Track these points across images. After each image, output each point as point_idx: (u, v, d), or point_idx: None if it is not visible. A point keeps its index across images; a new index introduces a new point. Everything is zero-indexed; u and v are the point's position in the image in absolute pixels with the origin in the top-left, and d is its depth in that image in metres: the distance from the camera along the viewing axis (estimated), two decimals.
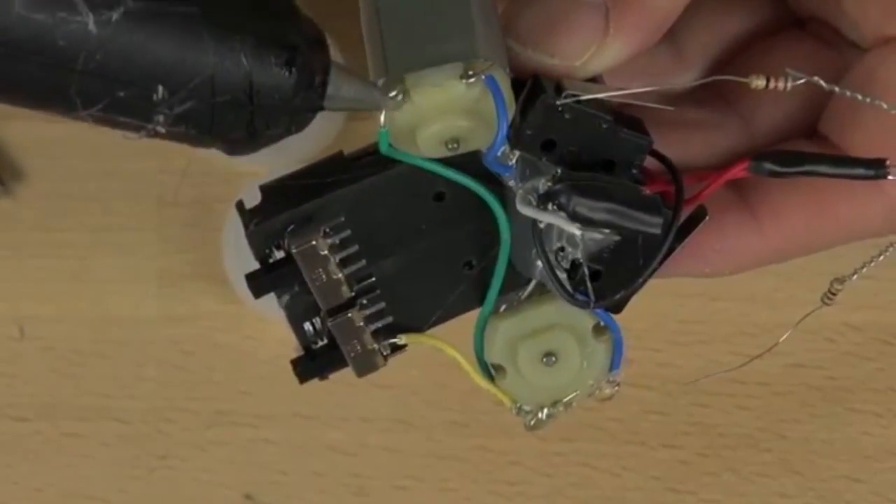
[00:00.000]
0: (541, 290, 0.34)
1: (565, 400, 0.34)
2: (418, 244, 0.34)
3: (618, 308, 0.34)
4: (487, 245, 0.34)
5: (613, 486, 0.51)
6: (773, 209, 0.34)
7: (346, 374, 0.52)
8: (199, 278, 0.52)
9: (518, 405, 0.34)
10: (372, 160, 0.33)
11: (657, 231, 0.31)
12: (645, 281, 0.33)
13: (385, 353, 0.35)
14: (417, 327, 0.35)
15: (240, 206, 0.34)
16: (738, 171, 0.32)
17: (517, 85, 0.31)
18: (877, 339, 0.52)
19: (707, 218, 0.33)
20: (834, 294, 0.36)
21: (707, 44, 0.37)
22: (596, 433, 0.51)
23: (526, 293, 0.34)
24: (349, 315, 0.34)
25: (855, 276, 0.35)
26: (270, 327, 0.52)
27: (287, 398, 0.52)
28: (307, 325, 0.35)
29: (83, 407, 0.52)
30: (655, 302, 0.52)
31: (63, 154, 0.53)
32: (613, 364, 0.34)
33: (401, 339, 0.35)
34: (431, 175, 0.32)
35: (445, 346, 0.35)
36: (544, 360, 0.34)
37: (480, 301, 0.34)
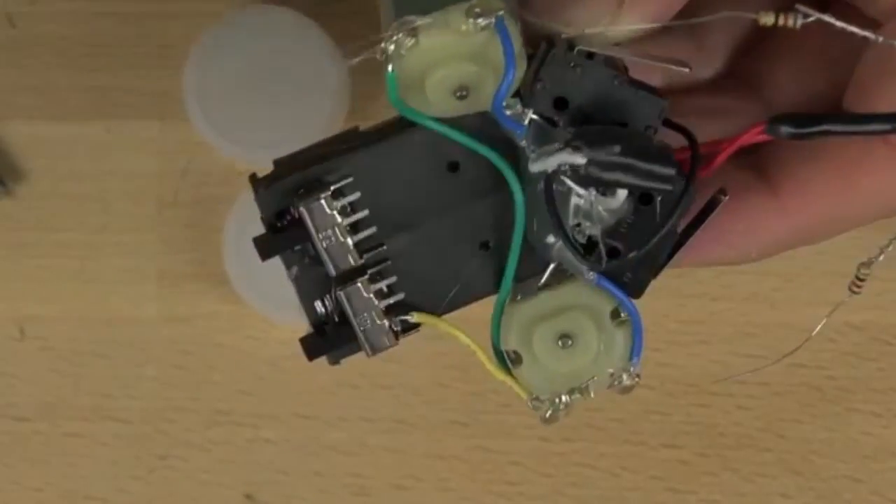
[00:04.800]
0: (559, 276, 0.33)
1: (582, 386, 0.33)
2: (431, 217, 0.33)
3: (637, 291, 0.33)
4: (504, 225, 0.33)
5: (613, 486, 0.51)
6: (795, 186, 0.34)
7: (347, 374, 0.52)
8: (199, 278, 0.52)
9: (534, 397, 0.34)
10: (386, 129, 0.33)
11: (669, 186, 0.31)
12: (665, 263, 0.32)
13: (396, 330, 0.34)
14: (430, 309, 0.34)
15: (252, 176, 0.34)
16: (755, 134, 0.31)
17: (530, 57, 0.31)
18: (877, 339, 0.52)
19: (727, 198, 0.32)
20: (862, 280, 0.35)
21: (728, 34, 0.37)
22: (596, 433, 0.51)
23: (543, 279, 0.33)
24: (358, 284, 0.33)
25: (882, 257, 0.34)
26: (270, 327, 0.52)
27: (287, 398, 0.52)
28: (318, 305, 0.34)
29: (83, 407, 0.52)
30: (655, 302, 0.51)
31: (63, 154, 0.53)
32: (634, 351, 0.33)
33: (413, 317, 0.34)
34: (445, 142, 0.32)
35: (460, 332, 0.34)
36: (560, 342, 0.33)
37: (497, 286, 0.33)
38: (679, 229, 0.33)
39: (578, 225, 0.32)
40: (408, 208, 0.33)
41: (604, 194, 0.31)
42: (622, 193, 0.31)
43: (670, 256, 0.33)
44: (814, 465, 0.51)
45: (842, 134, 0.31)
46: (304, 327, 0.52)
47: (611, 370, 0.33)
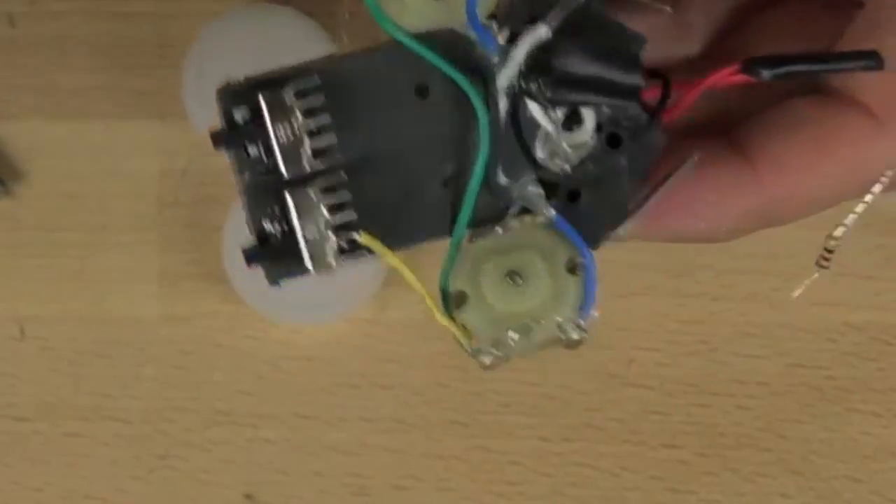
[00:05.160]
0: (517, 220, 0.32)
1: (525, 327, 0.32)
2: (393, 141, 0.32)
3: (595, 240, 0.32)
4: (468, 167, 0.32)
5: (613, 485, 0.51)
6: (770, 158, 0.33)
7: (347, 374, 0.52)
8: (199, 278, 0.52)
9: (476, 347, 0.32)
10: (359, 49, 0.32)
11: (634, 101, 0.30)
12: (624, 214, 0.32)
13: (344, 248, 0.32)
14: (382, 235, 0.32)
15: (221, 88, 0.32)
16: (728, 74, 0.31)
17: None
18: (877, 339, 0.52)
19: (696, 157, 0.32)
20: (830, 252, 0.34)
21: (708, 13, 0.37)
22: (596, 433, 0.51)
23: (503, 225, 0.32)
24: (309, 189, 0.32)
25: (849, 220, 0.34)
26: (270, 327, 0.52)
27: (287, 398, 0.52)
28: (266, 223, 0.33)
29: (83, 407, 0.52)
30: (655, 302, 0.52)
31: (63, 154, 0.53)
32: (586, 303, 0.32)
33: (361, 237, 0.32)
34: (417, 63, 0.31)
35: (407, 270, 0.32)
36: (510, 279, 0.32)
37: (452, 229, 0.32)
38: (646, 180, 0.32)
39: (543, 165, 0.31)
40: (371, 127, 0.32)
41: (570, 129, 0.31)
42: (588, 126, 0.31)
43: (634, 210, 0.32)
44: (814, 465, 0.51)
45: (815, 72, 0.31)
46: (304, 327, 0.52)
47: (559, 319, 0.32)
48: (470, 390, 0.52)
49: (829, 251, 0.34)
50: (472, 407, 0.51)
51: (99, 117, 0.53)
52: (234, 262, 0.51)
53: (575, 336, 0.32)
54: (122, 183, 0.52)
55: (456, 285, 0.32)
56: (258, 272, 0.52)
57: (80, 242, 0.52)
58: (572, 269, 0.32)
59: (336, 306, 0.51)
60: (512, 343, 0.32)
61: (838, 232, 0.33)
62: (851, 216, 0.33)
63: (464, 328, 0.32)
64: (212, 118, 0.51)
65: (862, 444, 0.51)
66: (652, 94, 0.31)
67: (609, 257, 0.52)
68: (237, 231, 0.51)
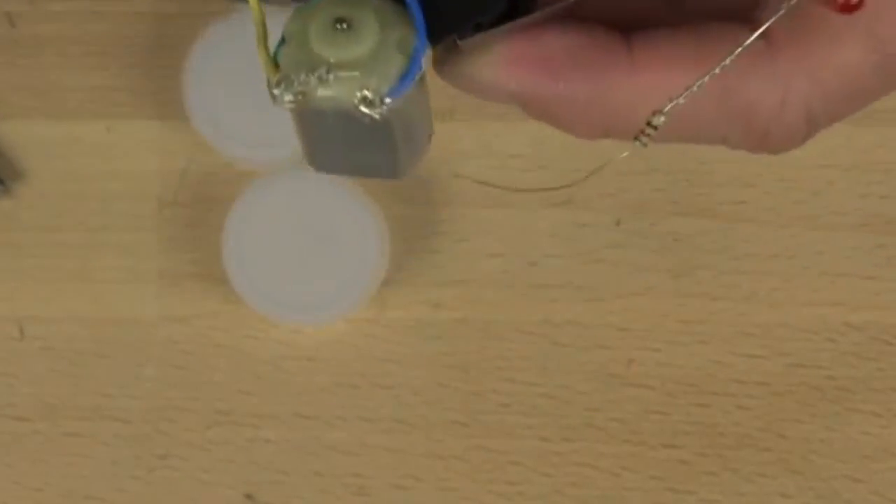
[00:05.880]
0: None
1: (324, 74, 0.30)
2: None
3: (438, 31, 0.31)
4: None
5: (613, 485, 0.51)
6: (651, 48, 0.31)
7: (347, 374, 0.52)
8: (199, 278, 0.52)
9: (281, 75, 0.31)
10: None
11: None
12: (472, 23, 0.30)
13: None
14: None
15: None
16: None
17: None
18: (877, 339, 0.52)
19: (572, 0, 0.30)
20: (655, 127, 0.31)
21: None
22: (596, 433, 0.51)
23: None
24: None
25: (669, 107, 0.32)
26: (270, 327, 0.52)
27: (287, 398, 0.52)
28: None
29: (83, 407, 0.52)
30: (655, 302, 0.52)
31: (63, 154, 0.53)
32: (397, 86, 0.31)
33: None
34: None
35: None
36: (337, 25, 0.31)
37: None
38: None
39: None
40: None
41: None
42: None
43: (485, 27, 0.31)
44: (814, 465, 0.51)
45: None
46: (304, 327, 0.52)
47: (367, 91, 0.31)
48: (470, 390, 0.52)
49: (654, 127, 0.32)
50: (472, 407, 0.51)
51: (99, 117, 0.53)
52: (234, 262, 0.51)
53: (366, 109, 0.31)
54: (122, 183, 0.52)
55: (289, 25, 0.31)
56: (258, 272, 0.52)
57: (80, 242, 0.52)
58: (402, 48, 0.31)
59: (336, 306, 0.51)
60: (304, 85, 0.31)
61: (667, 108, 0.32)
62: (674, 101, 0.31)
63: (274, 62, 0.31)
64: (212, 118, 0.51)
65: (862, 444, 0.51)
66: None
67: (610, 258, 0.52)
68: (237, 231, 0.51)
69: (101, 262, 0.52)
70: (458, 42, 0.31)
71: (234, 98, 0.50)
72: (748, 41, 0.30)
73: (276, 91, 0.31)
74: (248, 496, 0.52)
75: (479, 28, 0.31)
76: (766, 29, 0.30)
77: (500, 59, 0.31)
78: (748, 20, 0.31)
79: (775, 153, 0.32)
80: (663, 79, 0.31)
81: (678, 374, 0.52)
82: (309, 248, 0.51)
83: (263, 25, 0.31)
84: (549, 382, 0.52)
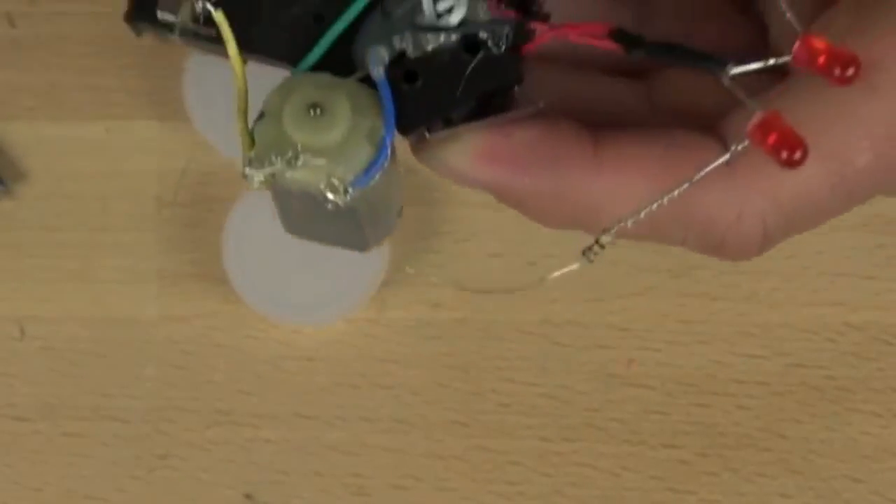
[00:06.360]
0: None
1: (293, 158, 0.31)
2: None
3: (408, 123, 0.32)
4: (342, 13, 0.32)
5: (613, 485, 0.51)
6: (617, 150, 0.32)
7: (347, 374, 0.52)
8: (199, 278, 0.52)
9: (253, 156, 0.32)
10: None
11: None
12: (442, 116, 0.32)
13: (196, 12, 0.32)
14: (238, 28, 0.32)
15: None
16: (598, 31, 0.31)
17: None
18: (877, 339, 0.52)
19: (541, 105, 0.31)
20: (602, 247, 0.33)
21: (674, 25, 0.35)
22: (596, 433, 0.51)
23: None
24: None
25: (630, 223, 0.33)
26: (270, 327, 0.52)
27: (287, 398, 0.52)
28: None
29: (83, 407, 0.52)
30: (655, 302, 0.52)
31: (63, 154, 0.53)
32: (363, 174, 0.31)
33: (216, 13, 0.32)
34: None
35: (238, 61, 0.32)
36: (311, 111, 0.31)
37: (297, 63, 0.33)
38: (484, 96, 0.32)
39: (401, 37, 0.32)
40: None
41: (440, 15, 0.31)
42: (455, 18, 0.31)
43: (456, 122, 0.32)
44: (814, 464, 0.51)
45: (667, 62, 0.31)
46: (304, 327, 0.52)
47: (334, 179, 0.32)
48: (470, 390, 0.52)
49: (602, 246, 0.33)
50: (472, 407, 0.52)
51: (99, 117, 0.53)
52: (234, 262, 0.51)
53: (332, 196, 0.32)
54: (122, 183, 0.53)
55: (269, 101, 0.32)
56: (258, 272, 0.52)
57: (81, 242, 0.52)
58: (371, 137, 0.32)
59: (336, 306, 0.51)
60: (274, 166, 0.32)
61: (615, 229, 0.33)
62: (631, 219, 0.32)
63: (251, 137, 0.32)
64: (211, 118, 0.51)
65: (862, 444, 0.51)
66: (544, 38, 0.32)
67: (610, 258, 0.52)
68: (237, 231, 0.51)
69: (101, 262, 0.52)
70: (427, 135, 0.32)
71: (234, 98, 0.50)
72: (709, 168, 0.31)
73: (247, 170, 0.31)
74: (248, 496, 0.52)
75: (449, 123, 0.32)
76: (730, 146, 0.31)
77: (469, 151, 0.32)
78: (712, 128, 0.32)
79: (732, 260, 0.33)
80: (626, 184, 0.32)
81: (678, 374, 0.52)
82: (309, 248, 0.51)
83: (245, 97, 0.32)
84: (548, 382, 0.52)
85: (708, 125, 0.32)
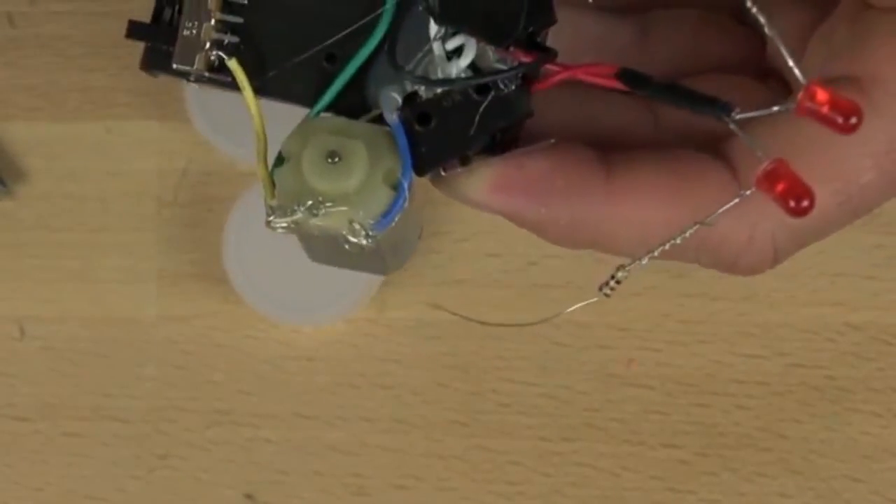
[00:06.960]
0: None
1: (316, 207, 0.32)
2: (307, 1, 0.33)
3: (424, 164, 0.32)
4: (357, 48, 0.33)
5: (613, 485, 0.51)
6: (629, 176, 0.33)
7: (347, 374, 0.52)
8: (199, 278, 0.52)
9: (275, 204, 0.33)
10: None
11: (510, 35, 0.31)
12: (460, 154, 0.32)
13: (211, 59, 0.33)
14: (252, 72, 0.33)
15: None
16: (605, 72, 0.31)
17: None
18: (877, 339, 0.52)
19: (553, 141, 0.32)
20: (619, 283, 0.34)
21: (674, 38, 0.36)
22: (596, 433, 0.51)
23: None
24: None
25: (645, 261, 0.34)
26: (270, 327, 0.52)
27: (287, 398, 0.52)
28: (167, 5, 0.34)
29: (83, 407, 0.52)
30: (655, 302, 0.52)
31: (63, 154, 0.53)
32: (383, 218, 0.32)
33: (231, 62, 0.33)
34: None
35: (256, 108, 0.33)
36: (329, 158, 0.32)
37: (313, 103, 0.33)
38: (498, 132, 0.33)
39: (413, 74, 0.32)
40: None
41: (450, 59, 0.32)
42: (464, 62, 0.32)
43: (471, 160, 0.33)
44: (813, 464, 0.51)
45: (675, 104, 0.31)
46: (303, 327, 0.52)
47: (355, 224, 0.32)
48: (470, 390, 0.52)
49: (618, 282, 0.34)
50: (472, 407, 0.52)
51: (99, 117, 0.53)
52: (234, 262, 0.51)
53: (354, 239, 0.32)
54: (122, 183, 0.53)
55: (287, 145, 0.33)
56: (258, 272, 0.52)
57: (81, 242, 0.52)
58: (389, 180, 0.33)
59: (336, 307, 0.51)
60: (297, 215, 0.32)
61: (630, 266, 0.34)
62: (647, 257, 0.33)
63: (272, 183, 0.33)
64: (212, 118, 0.51)
65: (862, 444, 0.51)
66: (554, 80, 0.32)
67: (610, 257, 0.52)
68: (237, 231, 0.51)
69: (101, 262, 0.52)
70: (443, 173, 0.33)
71: (234, 98, 0.50)
72: (725, 207, 0.32)
73: (270, 218, 0.32)
74: (248, 496, 0.52)
75: (465, 161, 0.33)
76: (736, 168, 0.32)
77: (485, 184, 0.33)
78: (718, 149, 0.33)
79: (745, 276, 0.34)
80: (639, 211, 0.33)
81: (678, 374, 0.52)
82: None
83: (265, 142, 0.33)
84: (548, 382, 0.52)
85: (713, 144, 0.33)
